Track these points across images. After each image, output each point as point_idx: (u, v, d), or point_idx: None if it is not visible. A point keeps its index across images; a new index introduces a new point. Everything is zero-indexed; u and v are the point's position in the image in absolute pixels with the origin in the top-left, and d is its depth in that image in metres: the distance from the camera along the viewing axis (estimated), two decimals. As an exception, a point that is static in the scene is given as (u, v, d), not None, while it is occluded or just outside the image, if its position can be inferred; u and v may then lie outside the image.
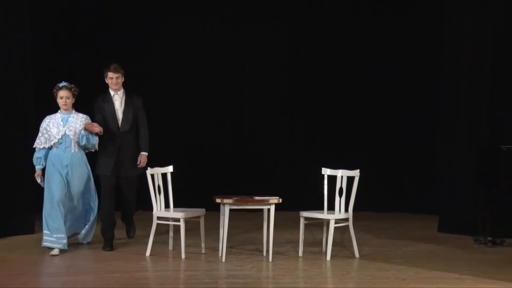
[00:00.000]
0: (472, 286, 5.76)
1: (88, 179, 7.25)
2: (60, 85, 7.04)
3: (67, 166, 7.02)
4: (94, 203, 7.37)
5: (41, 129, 7.08)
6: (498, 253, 7.35)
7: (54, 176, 6.97)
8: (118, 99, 7.29)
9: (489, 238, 7.78)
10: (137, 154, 7.37)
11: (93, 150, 7.27)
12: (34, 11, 8.74)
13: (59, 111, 7.12)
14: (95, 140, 7.11)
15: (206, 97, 10.78)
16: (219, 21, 10.87)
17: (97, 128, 7.00)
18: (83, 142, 7.02)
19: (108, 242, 7.22)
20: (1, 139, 7.96)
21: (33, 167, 7.15)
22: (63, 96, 7.05)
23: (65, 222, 7.01)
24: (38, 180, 7.10)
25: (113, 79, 7.23)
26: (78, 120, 7.07)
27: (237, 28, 10.86)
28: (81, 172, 7.12)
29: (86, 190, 7.25)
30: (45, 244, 6.93)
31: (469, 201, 8.45)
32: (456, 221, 8.59)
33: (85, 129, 6.95)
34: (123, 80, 7.30)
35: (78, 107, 7.26)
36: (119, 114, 7.27)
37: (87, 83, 8.08)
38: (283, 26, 10.92)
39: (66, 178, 7.01)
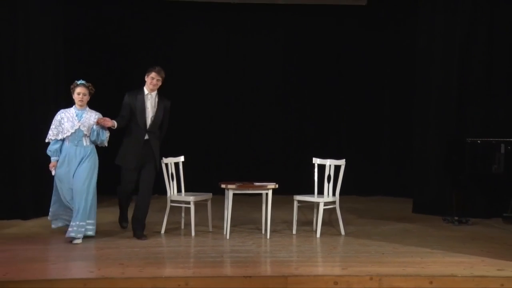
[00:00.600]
0: (441, 258, 5.79)
1: (95, 172, 6.58)
2: (78, 82, 6.58)
3: (78, 159, 6.48)
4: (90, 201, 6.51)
5: (54, 121, 6.55)
6: (463, 231, 7.36)
7: (64, 172, 6.47)
8: (150, 99, 6.70)
9: (456, 218, 7.80)
10: (159, 151, 6.83)
11: (102, 146, 6.67)
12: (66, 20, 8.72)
13: (74, 106, 6.60)
14: (105, 136, 6.60)
15: (212, 96, 10.77)
16: (224, 30, 10.85)
17: (109, 122, 6.52)
18: (93, 138, 6.54)
19: (137, 229, 6.70)
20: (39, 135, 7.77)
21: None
22: (80, 92, 6.54)
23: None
24: (53, 171, 6.54)
25: (153, 79, 6.65)
26: (92, 117, 6.57)
27: (239, 36, 10.84)
28: (91, 164, 6.52)
29: (89, 183, 6.49)
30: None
31: (439, 186, 8.47)
32: (427, 203, 8.61)
33: (98, 123, 6.50)
34: (160, 84, 6.73)
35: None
36: (149, 113, 6.67)
37: (105, 84, 8.00)
38: (279, 34, 10.90)
39: (75, 171, 6.46)
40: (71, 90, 6.60)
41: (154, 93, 6.74)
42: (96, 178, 6.55)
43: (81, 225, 6.36)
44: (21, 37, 7.91)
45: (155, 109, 6.71)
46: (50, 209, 6.68)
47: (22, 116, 7.94)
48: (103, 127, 6.57)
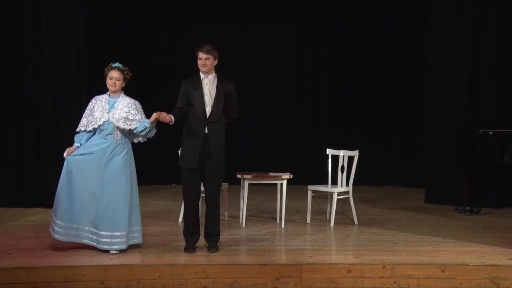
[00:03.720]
0: (453, 247, 5.75)
1: (131, 173, 5.53)
2: (114, 65, 5.53)
3: (106, 154, 5.43)
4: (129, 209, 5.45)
5: (87, 110, 5.57)
6: (475, 220, 7.32)
7: (85, 165, 5.41)
8: (207, 84, 5.47)
9: (468, 208, 7.75)
10: (224, 148, 5.57)
11: (143, 141, 5.66)
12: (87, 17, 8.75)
13: (107, 93, 5.58)
14: (153, 133, 5.54)
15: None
16: (241, 21, 10.85)
17: (167, 117, 5.32)
18: (143, 132, 5.45)
19: (189, 244, 5.50)
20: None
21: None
22: (113, 76, 5.48)
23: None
24: (65, 154, 5.44)
25: (202, 60, 5.43)
26: (125, 106, 5.48)
27: (256, 27, 10.82)
28: (121, 164, 5.45)
29: (124, 187, 5.45)
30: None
31: (450, 177, 8.40)
32: (439, 193, 8.56)
33: (154, 120, 5.32)
34: (215, 63, 5.49)
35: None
36: (208, 101, 5.44)
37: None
38: (294, 26, 10.86)
39: (103, 169, 5.42)
40: (105, 74, 5.57)
41: (212, 76, 5.50)
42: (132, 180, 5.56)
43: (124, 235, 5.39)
44: (44, 34, 7.97)
45: (213, 95, 5.47)
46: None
47: (46, 109, 7.99)
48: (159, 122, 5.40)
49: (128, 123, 5.46)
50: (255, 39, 10.83)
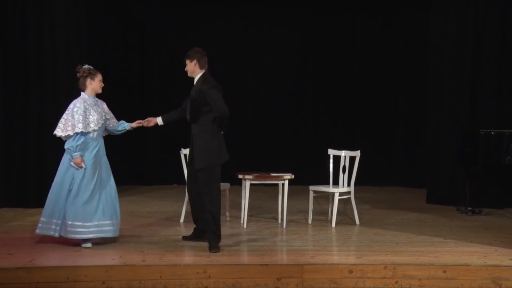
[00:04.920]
0: (455, 248, 5.74)
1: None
2: (91, 67, 5.69)
3: (101, 153, 5.69)
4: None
5: (78, 111, 5.50)
6: (477, 221, 7.30)
7: (94, 169, 5.60)
8: (194, 86, 5.64)
9: (469, 208, 7.73)
10: (208, 147, 5.51)
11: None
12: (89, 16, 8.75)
13: (87, 95, 5.64)
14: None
15: (229, 88, 10.70)
16: (241, 23, 10.83)
17: (152, 122, 5.84)
18: (118, 130, 5.84)
19: (193, 233, 5.89)
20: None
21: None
22: (101, 79, 5.70)
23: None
24: (83, 166, 5.54)
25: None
26: (104, 104, 5.77)
27: (256, 29, 10.81)
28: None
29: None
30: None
31: (452, 177, 8.40)
32: (441, 193, 8.54)
33: (134, 127, 5.76)
34: (193, 65, 5.62)
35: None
36: (190, 103, 5.62)
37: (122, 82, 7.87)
38: (295, 27, 10.85)
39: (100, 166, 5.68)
40: (89, 77, 5.63)
41: (197, 77, 5.65)
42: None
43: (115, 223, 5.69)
44: (46, 34, 7.96)
45: (193, 96, 5.59)
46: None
47: (47, 110, 7.98)
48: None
49: (112, 122, 5.83)
50: (257, 41, 10.81)
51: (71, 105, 5.64)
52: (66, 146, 5.58)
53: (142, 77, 10.47)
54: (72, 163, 5.54)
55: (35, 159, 7.95)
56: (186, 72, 5.76)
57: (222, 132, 5.69)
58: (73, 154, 5.51)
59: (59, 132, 5.59)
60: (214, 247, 5.49)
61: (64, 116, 5.61)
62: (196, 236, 5.88)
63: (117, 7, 10.45)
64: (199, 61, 5.64)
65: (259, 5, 10.63)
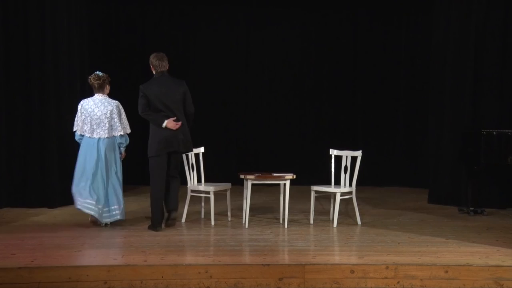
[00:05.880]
0: (457, 248, 5.74)
1: None
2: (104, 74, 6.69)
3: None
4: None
5: (122, 113, 6.72)
6: (478, 221, 7.29)
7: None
8: None
9: (471, 208, 7.72)
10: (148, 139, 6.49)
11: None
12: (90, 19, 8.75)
13: (103, 95, 6.67)
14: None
15: (231, 89, 10.75)
16: (243, 24, 10.81)
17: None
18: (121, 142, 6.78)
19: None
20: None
21: None
22: None
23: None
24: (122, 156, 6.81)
25: None
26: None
27: (259, 29, 10.79)
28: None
29: None
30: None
31: (454, 177, 8.38)
32: (443, 193, 8.53)
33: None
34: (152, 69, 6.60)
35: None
36: None
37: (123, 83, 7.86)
38: (297, 27, 10.84)
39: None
40: (106, 83, 6.65)
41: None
42: None
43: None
44: (48, 34, 7.97)
45: None
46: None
47: (50, 109, 8.00)
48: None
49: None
50: (258, 40, 10.80)
51: (116, 108, 6.62)
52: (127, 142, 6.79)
53: (142, 77, 10.44)
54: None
55: (37, 159, 7.95)
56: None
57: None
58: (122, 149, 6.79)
59: (127, 129, 6.75)
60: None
61: (118, 116, 6.64)
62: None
63: (119, 8, 10.46)
64: (151, 65, 6.65)
65: (261, 5, 10.63)
